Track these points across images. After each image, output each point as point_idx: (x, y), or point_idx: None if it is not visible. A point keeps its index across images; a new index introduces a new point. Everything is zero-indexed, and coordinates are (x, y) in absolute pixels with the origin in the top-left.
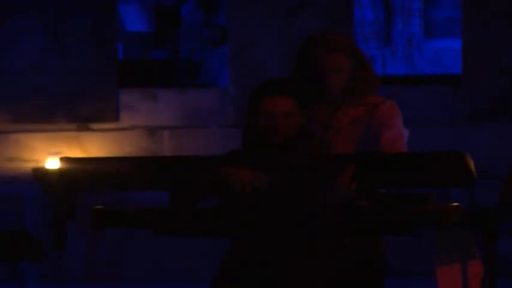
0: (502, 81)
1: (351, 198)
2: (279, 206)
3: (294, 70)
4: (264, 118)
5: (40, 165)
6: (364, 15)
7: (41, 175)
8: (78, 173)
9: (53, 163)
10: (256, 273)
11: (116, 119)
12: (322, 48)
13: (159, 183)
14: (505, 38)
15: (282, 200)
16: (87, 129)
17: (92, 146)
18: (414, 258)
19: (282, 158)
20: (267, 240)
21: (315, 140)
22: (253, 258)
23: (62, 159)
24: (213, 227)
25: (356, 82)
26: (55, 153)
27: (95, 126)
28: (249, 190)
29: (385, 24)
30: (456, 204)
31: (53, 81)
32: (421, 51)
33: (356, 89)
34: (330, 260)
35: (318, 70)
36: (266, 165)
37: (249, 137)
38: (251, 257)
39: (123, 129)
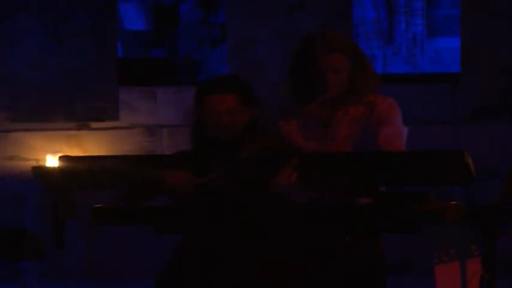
0: (502, 79)
1: (293, 190)
2: (229, 203)
3: (293, 70)
4: (208, 117)
5: (40, 163)
6: (366, 14)
7: (40, 174)
8: (78, 171)
9: (52, 162)
10: (201, 274)
11: (115, 117)
12: (321, 48)
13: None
14: (505, 37)
15: (232, 196)
16: (87, 128)
17: (92, 144)
18: (414, 255)
19: (228, 155)
20: (214, 239)
21: (265, 135)
22: (198, 257)
23: (61, 157)
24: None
25: (356, 82)
26: (55, 152)
27: (94, 125)
28: (181, 192)
29: (388, 24)
30: (455, 202)
31: (53, 80)
32: (423, 51)
33: (356, 89)
34: (324, 259)
35: (317, 70)
36: (214, 163)
37: (196, 135)
38: (197, 256)
39: (122, 127)
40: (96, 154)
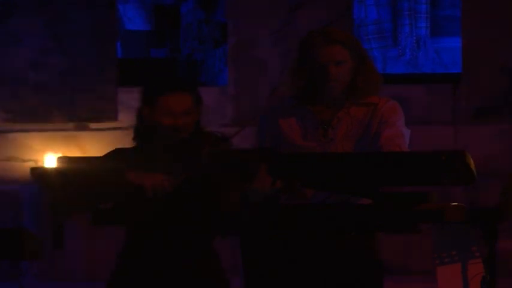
0: (503, 80)
1: (273, 194)
2: (182, 208)
3: (294, 66)
4: (162, 117)
5: (38, 164)
6: (368, 15)
7: (38, 175)
8: (76, 172)
9: (50, 162)
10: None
11: (114, 118)
12: (320, 40)
13: None
14: (506, 37)
15: (186, 201)
16: (86, 128)
17: (91, 145)
18: (414, 257)
19: (187, 158)
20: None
21: (214, 136)
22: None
23: (59, 158)
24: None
25: (357, 79)
26: (53, 153)
27: (93, 125)
28: (161, 194)
29: (392, 26)
30: (457, 203)
31: (52, 80)
32: (427, 53)
33: (358, 85)
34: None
35: (318, 62)
36: (162, 166)
37: (143, 135)
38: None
39: (122, 128)
40: (95, 155)
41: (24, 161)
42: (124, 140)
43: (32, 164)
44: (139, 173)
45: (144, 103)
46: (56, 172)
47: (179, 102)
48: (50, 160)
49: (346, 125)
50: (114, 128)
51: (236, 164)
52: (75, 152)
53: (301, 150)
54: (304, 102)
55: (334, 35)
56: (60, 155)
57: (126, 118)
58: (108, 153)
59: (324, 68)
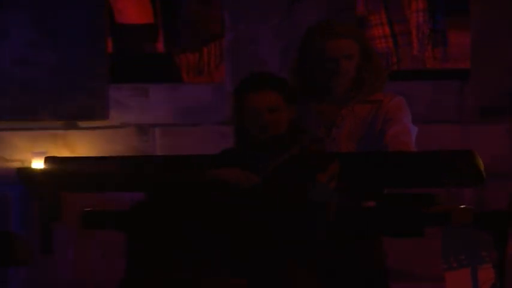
0: (511, 78)
1: (330, 198)
2: (261, 207)
3: (297, 69)
4: (248, 116)
5: (25, 165)
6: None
7: (25, 175)
8: (65, 173)
9: (38, 163)
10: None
11: (105, 116)
12: (329, 33)
13: (146, 183)
14: None
15: (266, 200)
16: (75, 127)
17: (80, 145)
18: (421, 261)
19: (268, 158)
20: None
21: (307, 136)
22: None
23: (47, 158)
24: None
25: (365, 75)
26: (41, 153)
27: (83, 124)
28: (246, 184)
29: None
30: (464, 205)
31: (41, 76)
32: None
33: (365, 82)
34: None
35: (326, 57)
36: (254, 165)
37: (239, 136)
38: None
39: (112, 127)
40: (85, 155)
41: (10, 161)
42: (115, 140)
43: (18, 165)
44: (221, 169)
45: (235, 102)
46: (43, 173)
47: (262, 100)
48: (37, 160)
49: (350, 124)
50: (105, 127)
51: (312, 166)
52: (63, 152)
53: None
54: (305, 101)
55: (342, 29)
56: (48, 155)
57: (118, 116)
58: (217, 154)
59: (333, 61)
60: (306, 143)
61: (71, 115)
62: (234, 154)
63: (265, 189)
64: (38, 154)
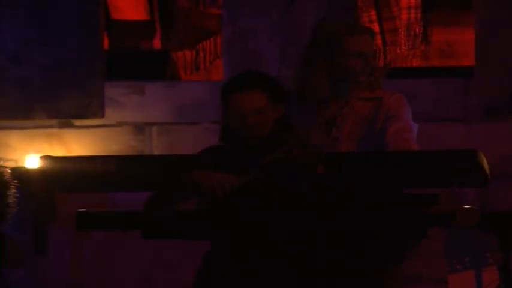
0: None
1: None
2: (254, 208)
3: (304, 69)
4: (233, 116)
5: (19, 164)
6: None
7: (20, 175)
8: (60, 172)
9: (32, 162)
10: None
11: (101, 114)
12: (349, 30)
13: (138, 183)
14: None
15: (257, 201)
16: (70, 125)
17: (75, 144)
18: (424, 263)
19: (255, 160)
20: (243, 244)
21: (295, 134)
22: (229, 263)
23: (42, 158)
24: (203, 230)
25: (373, 72)
26: (35, 152)
27: (78, 122)
28: (220, 194)
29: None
30: (468, 206)
31: (34, 74)
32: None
33: (372, 78)
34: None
35: (342, 52)
36: (240, 166)
37: (226, 133)
38: (227, 262)
39: (108, 125)
40: (80, 154)
41: (4, 160)
42: (111, 138)
43: (12, 164)
44: (204, 172)
45: (222, 102)
46: (38, 172)
47: (247, 101)
48: (31, 160)
49: (351, 123)
50: (100, 125)
51: (294, 168)
52: (58, 151)
53: None
54: (315, 95)
55: (358, 26)
56: (43, 154)
57: (114, 114)
58: (202, 150)
59: (361, 56)
60: (293, 142)
61: (66, 113)
62: (221, 153)
63: (263, 189)
64: (32, 153)
